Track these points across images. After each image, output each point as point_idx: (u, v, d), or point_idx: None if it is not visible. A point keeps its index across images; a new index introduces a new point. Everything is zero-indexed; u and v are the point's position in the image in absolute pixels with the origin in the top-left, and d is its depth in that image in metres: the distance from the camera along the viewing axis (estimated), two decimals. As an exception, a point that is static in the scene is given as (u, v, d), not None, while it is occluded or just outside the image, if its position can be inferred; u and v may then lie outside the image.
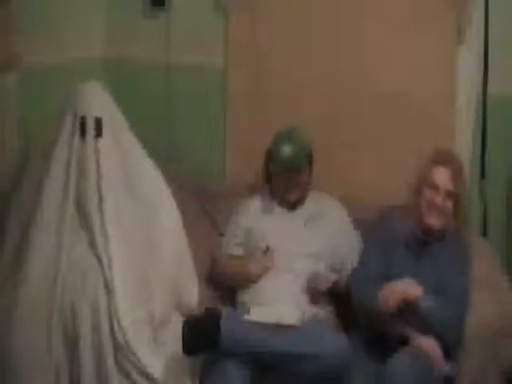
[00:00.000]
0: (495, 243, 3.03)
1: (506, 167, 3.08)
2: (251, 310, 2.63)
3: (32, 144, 2.81)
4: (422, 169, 2.68)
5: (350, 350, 2.52)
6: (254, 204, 3.01)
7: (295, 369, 2.49)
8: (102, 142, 2.55)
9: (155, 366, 2.46)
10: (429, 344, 2.47)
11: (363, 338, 2.61)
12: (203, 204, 3.19)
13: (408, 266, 2.64)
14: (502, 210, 3.11)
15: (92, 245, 2.52)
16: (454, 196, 2.63)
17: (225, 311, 2.60)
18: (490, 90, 3.03)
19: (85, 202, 2.53)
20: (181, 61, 3.42)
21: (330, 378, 2.49)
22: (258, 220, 2.95)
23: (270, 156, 2.96)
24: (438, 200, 2.63)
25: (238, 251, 2.97)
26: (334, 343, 2.51)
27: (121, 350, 2.42)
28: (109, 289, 2.46)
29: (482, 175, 3.10)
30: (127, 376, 2.43)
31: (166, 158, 2.85)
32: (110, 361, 2.42)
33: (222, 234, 3.08)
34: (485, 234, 3.13)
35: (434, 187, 2.64)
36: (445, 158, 2.67)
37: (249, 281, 2.83)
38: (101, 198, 2.53)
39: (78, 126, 2.55)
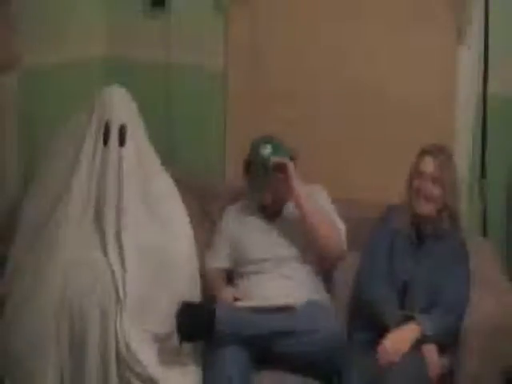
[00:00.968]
0: (495, 243, 3.02)
1: (506, 167, 3.08)
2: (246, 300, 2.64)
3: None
4: (412, 164, 2.68)
5: (344, 333, 2.56)
6: (236, 212, 2.97)
7: (290, 349, 2.47)
8: (124, 150, 2.56)
9: (159, 371, 2.46)
10: (427, 349, 2.47)
11: (363, 338, 2.61)
12: (203, 204, 3.19)
13: (406, 263, 2.64)
14: (501, 210, 3.11)
15: (105, 253, 2.53)
16: (441, 182, 2.60)
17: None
18: (490, 89, 3.03)
19: (103, 206, 2.54)
20: (181, 61, 3.43)
21: (327, 362, 2.51)
22: (240, 231, 2.89)
23: (249, 163, 2.86)
24: (424, 185, 2.61)
25: (224, 263, 2.91)
26: (327, 324, 2.52)
27: (124, 361, 2.42)
28: (119, 297, 2.47)
29: (482, 175, 3.10)
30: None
31: (166, 158, 2.84)
32: (113, 367, 2.43)
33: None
34: (485, 234, 3.13)
35: (420, 174, 2.63)
36: (432, 148, 2.66)
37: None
38: (120, 209, 2.54)
39: (102, 131, 2.56)
